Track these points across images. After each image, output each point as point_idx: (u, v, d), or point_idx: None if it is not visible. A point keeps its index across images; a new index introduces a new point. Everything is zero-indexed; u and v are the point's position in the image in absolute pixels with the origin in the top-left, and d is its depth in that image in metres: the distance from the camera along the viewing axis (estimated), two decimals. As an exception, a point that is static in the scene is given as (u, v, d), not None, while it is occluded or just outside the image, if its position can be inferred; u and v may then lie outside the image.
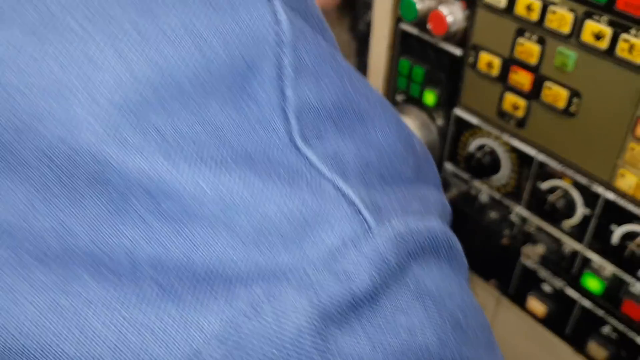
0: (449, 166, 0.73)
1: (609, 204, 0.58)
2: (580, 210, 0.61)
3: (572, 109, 0.57)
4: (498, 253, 0.72)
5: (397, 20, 0.71)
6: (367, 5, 1.60)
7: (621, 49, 0.51)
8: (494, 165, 0.67)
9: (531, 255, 0.65)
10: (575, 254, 0.63)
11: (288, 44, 0.25)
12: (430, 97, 0.70)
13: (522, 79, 0.60)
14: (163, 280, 0.21)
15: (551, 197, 0.61)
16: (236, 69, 0.24)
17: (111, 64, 0.21)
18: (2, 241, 0.21)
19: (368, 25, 1.69)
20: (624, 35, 0.51)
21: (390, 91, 0.77)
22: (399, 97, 0.76)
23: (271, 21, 0.25)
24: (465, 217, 0.74)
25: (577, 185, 0.60)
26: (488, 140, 0.67)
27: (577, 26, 0.54)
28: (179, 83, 0.22)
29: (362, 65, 1.74)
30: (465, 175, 0.72)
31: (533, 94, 0.60)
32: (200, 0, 0.24)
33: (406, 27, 0.70)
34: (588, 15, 0.53)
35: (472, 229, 0.74)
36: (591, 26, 0.53)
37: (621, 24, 0.51)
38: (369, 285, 0.23)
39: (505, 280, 0.73)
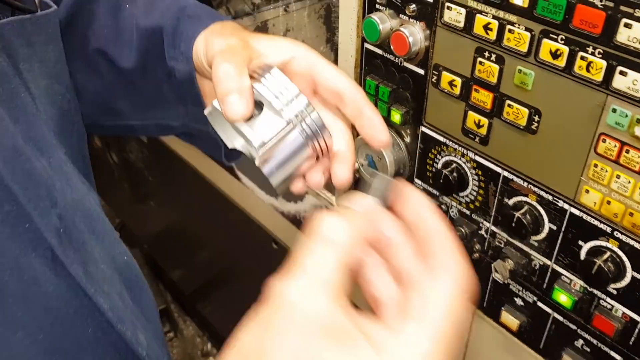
0: (419, 182, 0.71)
1: (574, 219, 0.56)
2: (547, 225, 0.59)
3: (534, 126, 0.55)
4: (470, 268, 0.70)
5: (363, 40, 0.69)
6: (344, 19, 1.57)
7: (579, 67, 0.49)
8: (461, 181, 0.65)
9: (501, 270, 0.63)
10: (544, 268, 0.61)
11: None
12: (396, 116, 0.68)
13: (483, 97, 0.58)
14: None
15: (517, 213, 0.59)
16: None
17: None
18: None
19: (346, 38, 1.66)
20: (580, 53, 0.49)
21: (359, 110, 0.75)
22: (368, 116, 0.73)
23: None
24: (437, 232, 0.72)
25: (542, 201, 0.58)
26: (454, 157, 0.65)
27: (535, 45, 0.52)
28: None
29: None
30: (435, 191, 0.70)
31: (495, 112, 0.58)
32: None
33: (371, 47, 0.68)
34: (545, 34, 0.51)
35: (444, 244, 0.72)
36: (548, 45, 0.51)
37: (577, 41, 0.49)
38: None
39: (479, 294, 0.71)
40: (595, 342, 0.60)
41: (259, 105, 0.44)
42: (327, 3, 1.52)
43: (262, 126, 0.43)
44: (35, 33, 0.37)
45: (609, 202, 0.53)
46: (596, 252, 0.55)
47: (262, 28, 1.41)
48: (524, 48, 0.52)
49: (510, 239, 0.63)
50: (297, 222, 1.04)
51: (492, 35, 0.54)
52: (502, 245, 0.64)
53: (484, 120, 0.59)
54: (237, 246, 1.35)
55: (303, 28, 1.49)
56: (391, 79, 0.68)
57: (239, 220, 1.20)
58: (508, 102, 0.56)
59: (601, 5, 0.46)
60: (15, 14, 0.38)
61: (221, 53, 0.42)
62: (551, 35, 0.50)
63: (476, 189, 0.64)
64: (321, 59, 0.46)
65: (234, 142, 0.45)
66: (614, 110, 0.49)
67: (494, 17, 0.54)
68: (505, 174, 0.60)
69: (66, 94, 0.42)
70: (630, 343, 0.57)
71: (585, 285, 0.58)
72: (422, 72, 0.63)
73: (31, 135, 0.34)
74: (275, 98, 0.42)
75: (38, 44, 0.37)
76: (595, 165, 0.52)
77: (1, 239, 0.28)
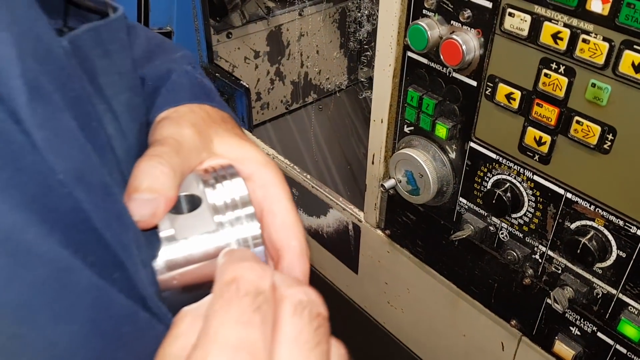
0: (464, 201, 0.66)
1: (648, 247, 0.51)
2: (615, 252, 0.53)
3: (606, 145, 0.50)
4: (520, 293, 0.64)
5: (405, 48, 0.64)
6: (358, 23, 1.52)
7: (665, 81, 0.44)
8: (516, 202, 0.59)
9: (560, 299, 0.57)
10: (609, 297, 0.56)
11: None
12: (442, 130, 0.62)
13: (547, 112, 0.52)
14: None
15: (583, 239, 0.53)
16: None
17: None
18: None
19: (360, 43, 1.62)
20: (668, 67, 0.43)
21: (398, 122, 0.69)
22: (407, 129, 0.68)
23: None
24: (482, 254, 0.67)
25: (610, 226, 0.53)
26: (508, 175, 0.59)
27: (614, 56, 0.46)
28: None
29: (354, 82, 1.66)
30: (482, 212, 0.64)
31: (560, 129, 0.52)
32: None
33: (414, 56, 0.63)
34: (627, 45, 0.45)
35: (490, 267, 0.67)
36: (631, 56, 0.45)
37: (665, 54, 0.43)
38: None
39: (527, 321, 0.65)
40: (664, 378, 0.55)
41: (193, 203, 0.34)
42: (342, 7, 1.47)
43: (189, 224, 0.32)
44: (111, 41, 0.31)
45: (691, 230, 0.47)
46: (673, 283, 0.50)
47: (276, 32, 1.35)
48: (600, 60, 0.47)
49: (570, 265, 0.58)
50: (319, 237, 0.99)
51: (562, 45, 0.49)
52: (560, 272, 0.59)
53: (547, 137, 0.54)
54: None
55: (317, 33, 1.43)
56: (437, 90, 0.62)
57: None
58: (577, 118, 0.50)
59: (701, 13, 0.40)
60: (87, 20, 0.32)
61: (161, 144, 0.33)
62: (635, 46, 0.45)
63: (532, 210, 0.58)
64: (281, 198, 0.36)
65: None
66: None
67: (566, 25, 0.48)
68: (569, 195, 0.55)
69: (143, 106, 0.35)
70: None
71: (655, 317, 0.53)
72: (474, 83, 0.58)
73: (116, 168, 0.29)
74: (223, 210, 0.32)
75: (114, 54, 0.31)
76: (677, 189, 0.47)
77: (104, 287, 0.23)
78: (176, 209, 0.31)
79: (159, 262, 0.29)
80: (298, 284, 0.27)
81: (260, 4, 1.33)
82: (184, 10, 1.05)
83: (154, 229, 0.30)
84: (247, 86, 1.14)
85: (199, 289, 0.31)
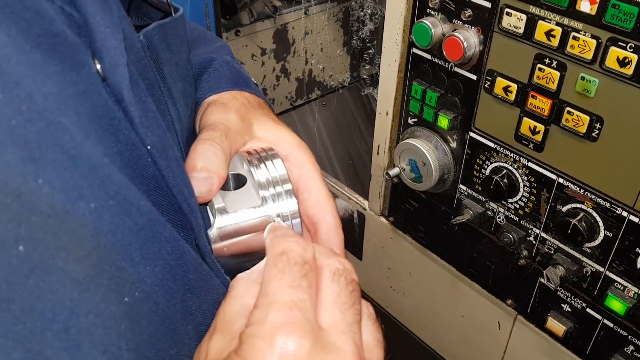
0: (464, 188, 0.70)
1: (632, 227, 0.55)
2: (602, 232, 0.58)
3: (594, 133, 0.54)
4: (515, 274, 0.69)
5: (409, 45, 0.68)
6: (362, 22, 1.56)
7: (647, 75, 0.49)
8: (512, 188, 0.64)
9: (552, 277, 0.62)
10: (597, 275, 0.60)
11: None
12: (444, 121, 0.67)
13: (541, 104, 0.57)
14: None
15: (573, 220, 0.58)
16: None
17: None
18: None
19: (363, 41, 1.66)
20: (650, 61, 0.48)
21: (402, 114, 0.74)
22: (411, 120, 0.72)
23: None
24: (481, 238, 0.71)
25: (598, 208, 0.57)
26: (505, 163, 0.64)
27: (601, 52, 0.51)
28: None
29: (356, 79, 1.71)
30: (481, 197, 0.69)
31: (552, 119, 0.57)
32: None
33: (419, 52, 0.67)
34: (613, 42, 0.50)
35: (487, 250, 0.71)
36: (616, 52, 0.50)
37: (647, 49, 0.48)
38: None
39: (523, 300, 0.70)
40: (647, 349, 0.59)
41: (238, 181, 0.38)
42: (346, 6, 1.51)
43: (238, 199, 0.36)
44: (173, 36, 0.36)
45: (670, 210, 0.52)
46: (655, 259, 0.54)
47: (282, 30, 1.39)
48: (589, 55, 0.51)
49: (561, 246, 0.62)
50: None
51: (555, 42, 0.53)
52: (552, 252, 0.63)
53: (540, 127, 0.58)
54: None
55: (321, 31, 1.48)
56: (440, 84, 0.67)
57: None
58: (568, 109, 0.55)
59: (678, 13, 0.45)
60: (144, 15, 0.37)
61: (213, 128, 0.37)
62: (620, 43, 0.49)
63: (527, 195, 0.63)
64: (315, 176, 0.40)
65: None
66: (683, 119, 0.48)
67: (558, 24, 0.53)
68: (560, 180, 0.59)
69: (194, 94, 0.40)
70: (684, 350, 0.56)
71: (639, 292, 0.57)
72: (474, 77, 0.62)
73: (177, 146, 0.34)
74: (266, 187, 0.36)
75: (174, 47, 0.36)
76: (658, 173, 0.51)
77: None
78: (225, 187, 0.36)
79: (213, 231, 0.34)
80: (334, 254, 0.32)
81: (268, 3, 1.37)
82: (196, 9, 1.09)
83: (207, 204, 0.35)
84: (255, 82, 1.18)
85: (243, 257, 0.36)
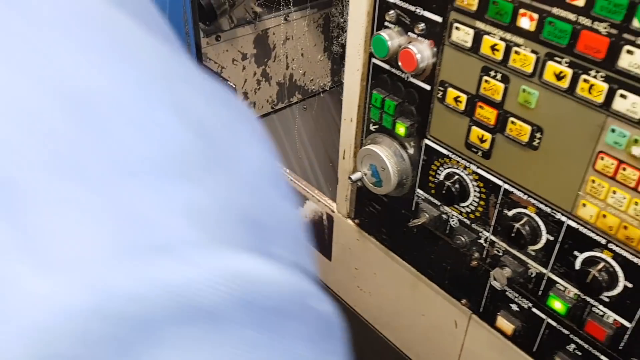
0: (421, 192, 0.73)
1: (571, 231, 0.58)
2: (545, 236, 0.60)
3: (535, 142, 0.57)
4: (468, 274, 0.72)
5: (370, 55, 0.71)
6: (341, 28, 1.59)
7: (581, 88, 0.51)
8: (463, 193, 0.66)
9: (499, 278, 0.65)
10: (540, 276, 0.63)
11: None
12: (401, 128, 0.70)
13: (487, 113, 0.60)
14: None
15: (517, 224, 0.61)
16: None
17: None
18: None
19: (342, 47, 1.69)
20: (584, 76, 0.51)
21: (364, 121, 0.76)
22: (373, 127, 0.75)
23: None
24: (437, 240, 0.74)
25: (540, 213, 0.60)
26: (457, 169, 0.66)
27: (540, 66, 0.53)
28: None
29: (337, 84, 1.73)
30: (436, 201, 0.71)
31: (498, 128, 0.59)
32: None
33: (378, 62, 0.70)
34: (550, 57, 0.52)
35: (443, 251, 0.74)
36: (553, 67, 0.52)
37: (581, 65, 0.51)
38: None
39: (475, 300, 0.72)
40: (586, 346, 0.62)
41: None
42: (326, 13, 1.54)
43: None
44: None
45: (604, 216, 0.54)
46: (591, 262, 0.57)
47: (263, 36, 1.42)
48: (529, 69, 0.54)
49: (508, 248, 0.65)
50: (297, 225, 1.05)
51: (499, 56, 0.56)
52: (501, 254, 0.66)
53: (487, 136, 0.61)
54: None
55: (302, 37, 1.50)
56: (397, 93, 0.69)
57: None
58: (511, 119, 0.57)
59: (605, 32, 0.48)
60: None
61: None
62: (556, 58, 0.52)
63: (477, 200, 0.66)
64: None
65: None
66: (613, 130, 0.51)
67: (501, 39, 0.55)
68: (506, 186, 0.62)
69: None
70: (620, 348, 0.59)
71: (579, 293, 0.60)
72: (428, 87, 0.65)
73: None
74: None
75: None
76: (593, 181, 0.54)
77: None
78: None
79: None
80: None
81: (248, 9, 1.40)
82: (175, 15, 1.11)
83: None
84: (235, 86, 1.21)
85: None
